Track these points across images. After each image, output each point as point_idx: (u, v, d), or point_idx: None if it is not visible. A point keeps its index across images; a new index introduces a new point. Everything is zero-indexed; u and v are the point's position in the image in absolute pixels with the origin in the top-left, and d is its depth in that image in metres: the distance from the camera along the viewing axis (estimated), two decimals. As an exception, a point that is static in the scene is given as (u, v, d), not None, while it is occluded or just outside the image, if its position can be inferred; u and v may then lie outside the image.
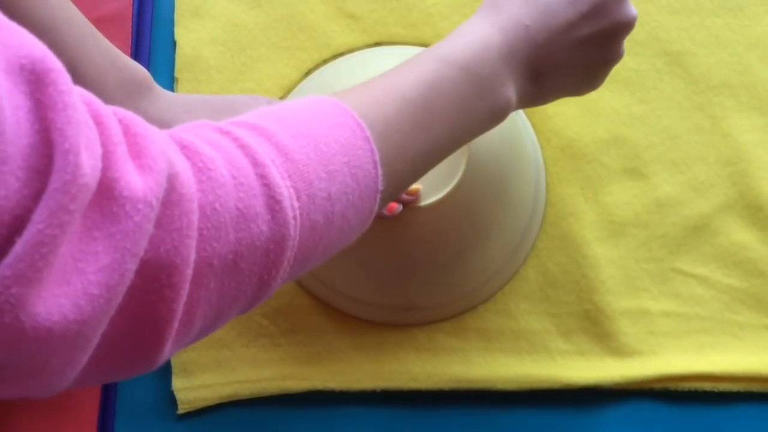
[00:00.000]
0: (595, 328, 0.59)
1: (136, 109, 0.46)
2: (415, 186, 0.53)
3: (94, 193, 0.28)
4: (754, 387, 0.58)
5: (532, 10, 0.46)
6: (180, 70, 0.65)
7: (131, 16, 0.67)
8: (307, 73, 0.65)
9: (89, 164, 0.27)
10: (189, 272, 0.31)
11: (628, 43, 0.65)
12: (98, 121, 0.29)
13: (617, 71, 0.64)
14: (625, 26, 0.48)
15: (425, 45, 0.65)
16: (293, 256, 0.36)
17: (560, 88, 0.50)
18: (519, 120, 0.63)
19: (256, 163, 0.35)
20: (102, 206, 0.28)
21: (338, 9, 0.66)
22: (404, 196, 0.52)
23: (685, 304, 0.60)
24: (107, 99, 0.45)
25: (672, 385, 0.58)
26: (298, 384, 0.58)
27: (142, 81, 0.47)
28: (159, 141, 0.31)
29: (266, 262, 0.35)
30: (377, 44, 0.66)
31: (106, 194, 0.28)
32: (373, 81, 0.44)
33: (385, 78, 0.44)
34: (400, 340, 0.59)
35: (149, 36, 0.67)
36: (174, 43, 0.66)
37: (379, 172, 0.40)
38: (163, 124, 0.46)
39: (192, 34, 0.66)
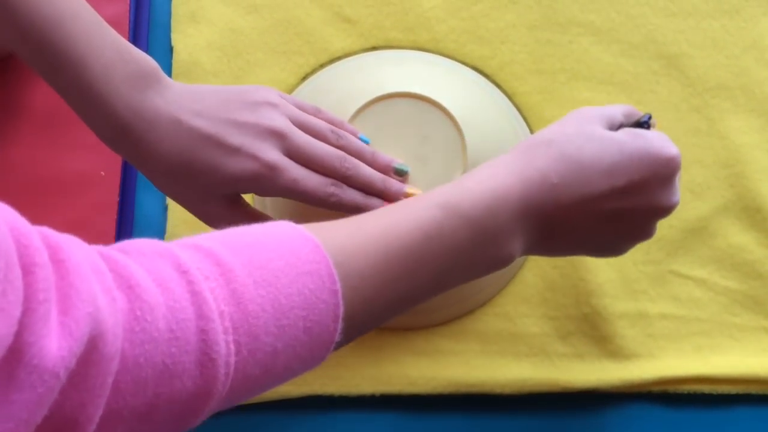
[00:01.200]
0: (594, 331, 0.59)
1: (144, 101, 0.46)
2: (413, 191, 0.53)
3: (4, 354, 0.26)
4: (753, 389, 0.58)
5: (564, 168, 0.43)
6: (177, 76, 0.65)
7: (128, 22, 0.67)
8: (305, 78, 0.65)
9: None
10: (92, 428, 0.30)
11: (624, 45, 0.65)
12: (26, 262, 0.28)
13: (613, 74, 0.65)
14: (662, 211, 0.46)
15: (422, 49, 0.65)
16: (218, 403, 0.35)
17: (574, 249, 0.48)
18: (516, 123, 0.63)
19: (201, 316, 0.33)
20: (9, 370, 0.27)
21: (335, 13, 0.66)
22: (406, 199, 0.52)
23: (683, 307, 0.60)
24: (116, 92, 0.45)
25: (671, 388, 0.58)
26: (297, 389, 0.57)
27: (150, 72, 0.47)
28: (89, 281, 0.30)
29: (184, 413, 0.34)
30: (374, 48, 0.66)
31: (16, 357, 0.27)
32: (366, 221, 0.42)
33: (379, 220, 0.42)
34: (398, 344, 0.59)
35: (146, 41, 0.67)
36: (171, 49, 0.66)
37: (339, 326, 0.38)
38: (171, 115, 0.46)
39: (189, 39, 0.66)
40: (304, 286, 0.36)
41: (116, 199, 0.62)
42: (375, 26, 0.66)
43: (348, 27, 0.66)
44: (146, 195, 0.63)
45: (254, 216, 0.51)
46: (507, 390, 0.57)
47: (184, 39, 0.66)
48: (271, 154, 0.47)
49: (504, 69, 0.65)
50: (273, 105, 0.49)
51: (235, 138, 0.47)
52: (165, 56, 0.66)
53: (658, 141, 0.45)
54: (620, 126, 0.48)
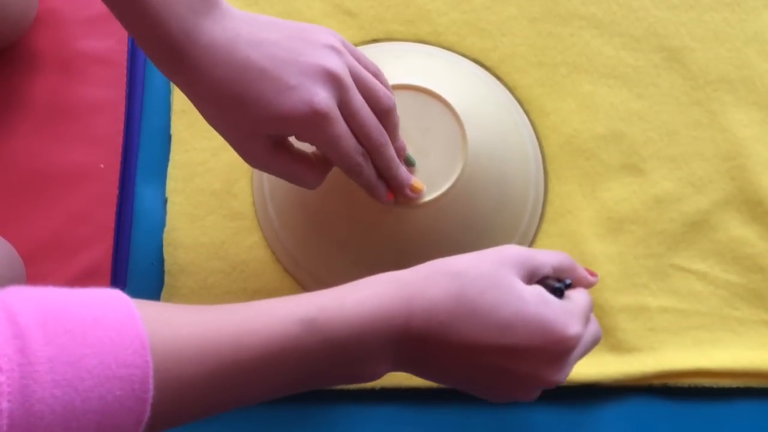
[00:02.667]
0: (594, 324, 0.59)
1: (199, 25, 0.44)
2: (418, 184, 0.52)
3: None
4: (754, 383, 0.58)
5: (457, 309, 0.41)
6: (177, 68, 0.65)
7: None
8: (305, 71, 0.64)
9: None
10: None
11: (625, 38, 0.65)
12: None
13: (615, 67, 0.65)
14: (542, 383, 0.44)
15: (422, 41, 0.65)
16: None
17: (446, 382, 0.46)
18: (517, 116, 0.63)
19: None
20: None
21: (335, 6, 0.66)
22: (409, 193, 0.52)
23: (684, 300, 0.60)
24: (171, 11, 0.43)
25: (671, 381, 0.58)
26: (297, 382, 0.57)
27: None
28: None
29: None
30: (374, 41, 0.65)
31: None
32: (223, 318, 0.39)
33: (235, 320, 0.39)
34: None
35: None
36: (171, 41, 0.66)
37: (142, 429, 0.35)
38: (227, 43, 0.44)
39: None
40: (109, 392, 0.34)
41: (116, 191, 0.62)
42: (376, 19, 0.66)
43: (348, 19, 0.66)
44: (146, 188, 0.63)
45: (297, 161, 0.49)
46: (507, 383, 0.57)
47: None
48: (326, 101, 0.45)
49: (505, 62, 0.65)
50: (336, 50, 0.47)
51: (293, 76, 0.44)
52: (165, 49, 0.66)
53: (561, 316, 0.42)
54: (544, 278, 0.46)
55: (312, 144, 0.47)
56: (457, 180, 0.54)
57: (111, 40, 0.66)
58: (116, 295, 0.37)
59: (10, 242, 0.59)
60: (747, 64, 0.65)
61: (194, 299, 0.60)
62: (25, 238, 0.60)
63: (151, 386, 0.35)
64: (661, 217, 0.62)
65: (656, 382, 0.58)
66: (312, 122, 0.45)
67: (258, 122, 0.45)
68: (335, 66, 0.45)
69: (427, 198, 0.53)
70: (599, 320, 0.59)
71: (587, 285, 0.48)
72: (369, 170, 0.49)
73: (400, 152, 0.52)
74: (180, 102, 0.64)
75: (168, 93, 0.65)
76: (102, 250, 0.60)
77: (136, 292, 0.61)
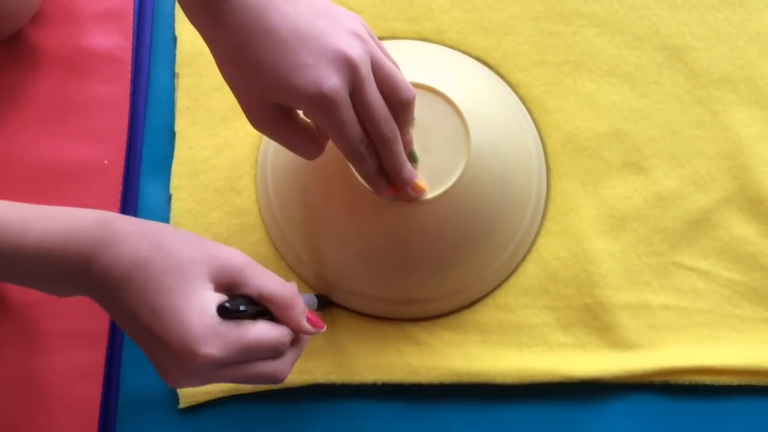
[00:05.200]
0: (596, 321, 0.59)
1: None
2: (420, 183, 0.52)
3: None
4: (754, 380, 0.58)
5: (131, 274, 0.43)
6: (180, 65, 0.65)
7: (133, 12, 0.67)
8: (308, 68, 0.65)
9: None
10: None
11: (627, 37, 0.65)
12: None
13: (617, 66, 0.65)
14: (166, 376, 0.44)
15: (426, 40, 0.66)
16: None
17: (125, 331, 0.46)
18: (520, 114, 0.63)
19: None
20: None
21: (339, 3, 0.66)
22: (410, 192, 0.52)
23: (685, 298, 0.60)
24: None
25: (672, 379, 0.58)
26: (299, 377, 0.58)
27: None
28: None
29: None
30: (378, 39, 0.65)
31: None
32: None
33: None
34: (400, 334, 0.59)
35: (150, 31, 0.67)
36: (175, 39, 0.66)
37: None
38: (257, 7, 0.44)
39: (193, 29, 0.66)
40: None
41: (120, 188, 0.62)
42: (379, 17, 0.66)
43: (352, 17, 0.66)
44: (150, 184, 0.63)
45: (300, 131, 0.49)
46: (508, 379, 0.58)
47: (188, 29, 0.66)
48: (337, 86, 0.45)
49: (508, 60, 0.65)
50: (360, 38, 0.47)
51: (311, 55, 0.44)
52: (169, 46, 0.66)
53: (203, 331, 0.42)
54: (239, 296, 0.45)
55: (317, 124, 0.47)
56: (460, 177, 0.54)
57: (116, 37, 0.66)
58: None
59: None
60: (749, 64, 0.65)
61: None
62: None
63: None
64: (663, 215, 0.62)
65: (657, 379, 0.58)
66: (318, 104, 0.45)
67: (269, 91, 0.45)
68: (355, 53, 0.45)
69: (430, 195, 0.53)
70: (600, 317, 0.59)
71: (296, 329, 0.47)
72: (371, 162, 0.49)
73: (406, 146, 0.51)
74: (184, 99, 0.64)
75: (172, 90, 0.65)
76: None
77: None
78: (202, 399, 0.58)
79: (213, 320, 0.43)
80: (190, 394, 0.58)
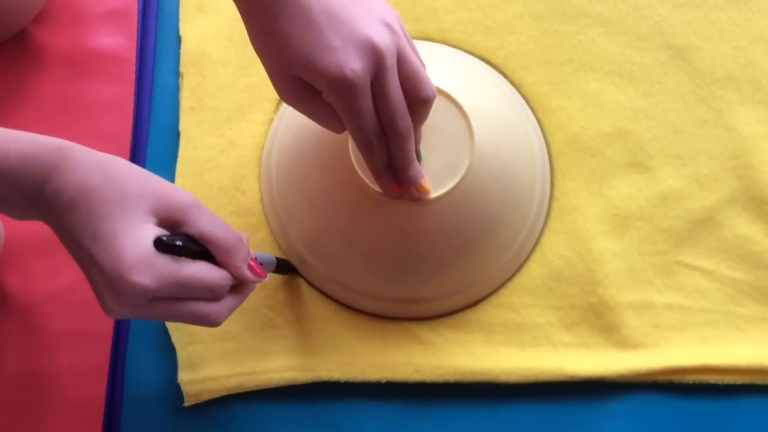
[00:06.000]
0: (600, 320, 0.59)
1: None
2: (427, 185, 0.52)
3: None
4: (758, 380, 0.58)
5: (77, 201, 0.44)
6: (185, 65, 0.65)
7: (137, 12, 0.67)
8: (312, 68, 0.65)
9: None
10: None
11: (631, 36, 0.65)
12: None
13: (621, 65, 0.65)
14: (101, 303, 0.45)
15: (429, 39, 0.66)
16: None
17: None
18: (524, 114, 0.63)
19: None
20: None
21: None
22: (413, 192, 0.52)
23: (689, 297, 0.60)
24: None
25: (676, 378, 0.58)
26: (303, 375, 0.58)
27: None
28: None
29: None
30: (381, 39, 0.66)
31: None
32: None
33: None
34: (404, 333, 0.59)
35: (155, 31, 0.67)
36: (179, 38, 0.67)
37: None
38: None
39: (197, 29, 0.66)
40: None
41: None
42: (382, 16, 0.66)
43: (355, 17, 0.66)
44: (154, 184, 0.63)
45: (326, 105, 0.48)
46: (512, 378, 0.58)
47: (192, 29, 0.66)
48: (359, 71, 0.45)
49: (511, 59, 0.65)
50: (391, 28, 0.47)
51: (339, 38, 0.45)
52: (173, 46, 0.67)
53: (133, 261, 0.43)
54: (181, 235, 0.45)
55: (334, 106, 0.48)
56: (464, 177, 0.54)
57: (120, 37, 0.66)
58: None
59: (20, 237, 0.60)
60: (753, 63, 0.65)
61: (202, 294, 0.60)
62: (35, 232, 0.61)
63: None
64: (667, 215, 0.62)
65: (661, 378, 0.58)
66: (338, 87, 0.45)
67: (293, 65, 0.46)
68: (382, 42, 0.45)
69: (434, 195, 0.53)
70: (604, 317, 0.59)
71: (236, 274, 0.47)
72: (380, 154, 0.49)
73: (415, 144, 0.51)
74: (188, 99, 0.65)
75: (176, 90, 0.65)
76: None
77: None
78: (206, 397, 0.58)
79: (148, 251, 0.43)
80: (194, 393, 0.58)
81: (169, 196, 0.45)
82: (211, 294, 0.46)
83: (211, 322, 0.47)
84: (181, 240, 0.44)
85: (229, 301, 0.47)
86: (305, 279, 0.61)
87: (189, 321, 0.46)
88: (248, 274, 0.48)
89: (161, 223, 0.45)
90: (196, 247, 0.45)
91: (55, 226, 0.46)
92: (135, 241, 0.43)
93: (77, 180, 0.44)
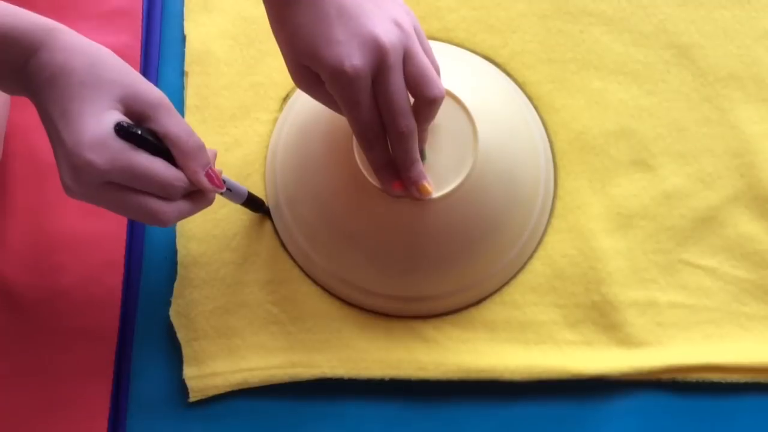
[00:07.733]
0: (603, 318, 0.59)
1: None
2: (429, 186, 0.52)
3: None
4: (762, 378, 0.58)
5: (51, 81, 0.45)
6: (189, 64, 0.66)
7: (142, 11, 0.67)
8: (316, 67, 0.65)
9: None
10: None
11: (635, 34, 0.66)
12: None
13: (624, 63, 0.65)
14: (62, 183, 0.47)
15: (433, 38, 0.66)
16: None
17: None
18: (527, 112, 0.63)
19: None
20: None
21: None
22: (415, 192, 0.52)
23: (692, 296, 0.60)
24: None
25: (679, 376, 0.58)
26: (307, 371, 0.58)
27: None
28: None
29: None
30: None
31: None
32: None
33: None
34: (407, 331, 0.60)
35: (159, 30, 0.68)
36: (183, 38, 0.67)
37: None
38: None
39: (201, 28, 0.67)
40: None
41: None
42: (386, 15, 0.66)
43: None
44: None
45: (327, 96, 0.49)
46: (516, 376, 0.58)
47: (196, 28, 0.66)
48: (358, 66, 0.45)
49: (515, 58, 0.65)
50: (401, 27, 0.47)
51: (345, 32, 0.46)
52: (178, 45, 0.67)
53: (92, 146, 0.44)
54: (146, 128, 0.46)
55: (335, 97, 0.48)
56: (468, 176, 0.54)
57: (125, 36, 0.66)
58: None
59: (25, 235, 0.60)
60: (756, 62, 0.65)
61: (207, 290, 0.60)
62: (40, 231, 0.61)
63: None
64: (671, 213, 0.62)
65: (665, 376, 0.58)
66: (337, 79, 0.46)
67: (302, 54, 0.47)
68: (387, 40, 0.46)
69: (438, 194, 0.54)
70: (607, 315, 0.59)
71: (192, 179, 0.48)
72: (379, 151, 0.50)
73: (420, 144, 0.51)
74: (193, 97, 0.65)
75: (181, 88, 0.66)
76: (116, 243, 0.61)
77: (151, 283, 0.62)
78: (211, 393, 0.58)
79: (107, 133, 0.45)
80: (199, 389, 0.58)
81: (142, 90, 0.47)
82: (163, 191, 0.47)
83: (158, 220, 0.48)
84: (142, 130, 0.45)
85: (180, 205, 0.49)
86: (306, 274, 0.61)
87: (137, 215, 0.47)
88: (204, 180, 0.48)
89: (129, 114, 0.46)
90: (158, 143, 0.46)
91: (35, 101, 0.47)
92: (97, 122, 0.45)
93: (60, 60, 0.45)
